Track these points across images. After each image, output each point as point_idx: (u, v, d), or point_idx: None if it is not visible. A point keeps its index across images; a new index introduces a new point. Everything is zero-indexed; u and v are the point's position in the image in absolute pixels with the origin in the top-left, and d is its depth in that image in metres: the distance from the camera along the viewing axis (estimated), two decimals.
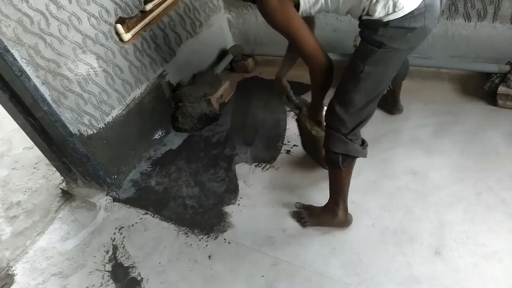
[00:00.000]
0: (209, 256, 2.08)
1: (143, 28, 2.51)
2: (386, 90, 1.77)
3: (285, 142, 2.57)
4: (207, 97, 2.81)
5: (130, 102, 2.55)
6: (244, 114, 2.89)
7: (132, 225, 2.36)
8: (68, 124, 2.19)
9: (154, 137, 2.82)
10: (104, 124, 2.41)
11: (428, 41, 2.54)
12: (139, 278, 2.08)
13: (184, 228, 2.25)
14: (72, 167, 2.52)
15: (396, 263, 1.82)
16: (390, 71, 1.56)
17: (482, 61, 2.50)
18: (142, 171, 2.68)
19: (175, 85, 2.91)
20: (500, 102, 2.35)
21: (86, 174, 2.48)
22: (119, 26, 2.33)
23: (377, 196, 2.11)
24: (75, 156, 2.33)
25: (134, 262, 2.17)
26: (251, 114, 2.87)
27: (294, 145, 2.52)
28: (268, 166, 2.45)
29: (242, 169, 2.48)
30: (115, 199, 2.53)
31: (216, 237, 2.15)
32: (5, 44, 1.82)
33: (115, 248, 2.27)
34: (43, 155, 2.59)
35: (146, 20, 2.50)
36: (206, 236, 2.17)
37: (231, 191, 2.37)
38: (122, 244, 2.27)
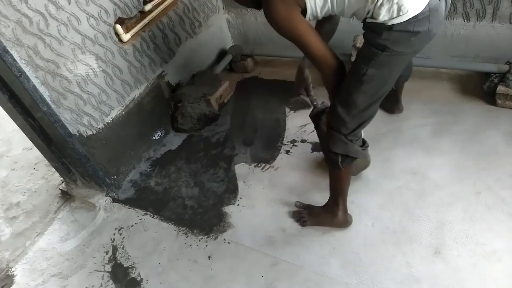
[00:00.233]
0: (209, 256, 2.08)
1: (142, 29, 2.51)
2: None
3: (284, 142, 2.57)
4: (206, 98, 2.81)
5: (130, 102, 2.55)
6: (243, 114, 2.89)
7: (132, 226, 2.36)
8: (67, 125, 2.18)
9: (154, 138, 2.82)
10: (104, 124, 2.41)
11: None
12: (139, 279, 2.08)
13: (184, 229, 2.25)
14: (72, 167, 2.52)
15: (395, 263, 1.82)
16: (394, 74, 1.55)
17: (481, 61, 2.50)
18: (142, 171, 2.68)
19: (174, 85, 2.91)
20: (499, 101, 2.36)
21: (85, 174, 2.48)
22: (118, 26, 2.33)
23: (377, 196, 2.11)
24: (74, 157, 2.33)
25: (133, 262, 2.16)
26: (250, 114, 2.87)
27: (293, 145, 2.52)
28: (267, 166, 2.45)
29: (242, 169, 2.48)
30: (114, 200, 2.53)
31: (216, 237, 2.15)
32: (4, 44, 1.82)
33: (114, 248, 2.27)
34: (42, 155, 2.59)
35: (145, 21, 2.50)
36: (206, 236, 2.17)
37: (231, 191, 2.37)
38: (122, 244, 2.27)
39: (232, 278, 1.95)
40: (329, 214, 1.98)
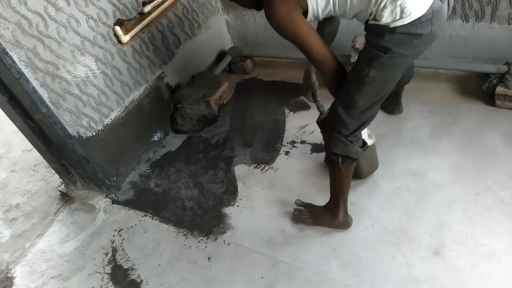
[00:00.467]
0: (209, 258, 2.07)
1: (141, 30, 2.51)
2: None
3: (284, 143, 2.57)
4: (206, 99, 2.81)
5: (129, 104, 2.55)
6: (243, 115, 2.89)
7: (131, 227, 2.35)
8: (67, 126, 2.18)
9: (153, 139, 2.82)
10: (103, 126, 2.41)
11: None
12: (138, 280, 2.08)
13: (184, 230, 2.25)
14: (71, 169, 2.52)
15: (395, 264, 1.82)
16: (395, 76, 1.55)
17: (480, 62, 2.51)
18: (141, 173, 2.68)
19: (173, 86, 2.92)
20: (498, 102, 2.36)
21: (85, 176, 2.48)
22: (117, 28, 2.33)
23: (377, 197, 2.11)
24: (74, 158, 2.33)
25: (133, 264, 2.16)
26: (250, 115, 2.87)
27: (293, 146, 2.52)
28: (267, 167, 2.46)
29: (241, 171, 2.48)
30: (114, 201, 2.53)
31: (216, 239, 2.15)
32: (4, 46, 1.82)
33: (114, 250, 2.27)
34: (42, 157, 2.59)
35: (145, 22, 2.50)
36: (206, 237, 2.17)
37: (230, 193, 2.37)
38: (122, 246, 2.27)
39: (232, 279, 1.95)
40: (330, 215, 1.98)
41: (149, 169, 2.69)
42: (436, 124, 2.39)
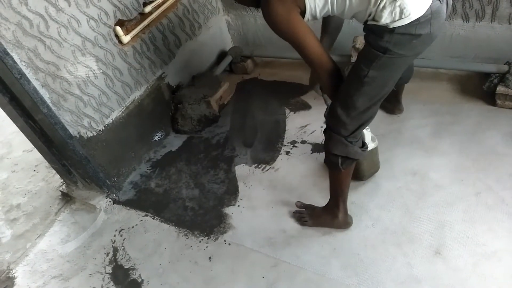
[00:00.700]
0: (210, 258, 2.08)
1: (142, 31, 2.51)
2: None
3: (284, 143, 2.57)
4: (206, 99, 2.82)
5: (130, 104, 2.55)
6: (243, 115, 2.90)
7: (132, 227, 2.36)
8: (67, 127, 2.19)
9: (154, 139, 2.82)
10: (104, 126, 2.41)
11: None
12: (139, 280, 2.08)
13: (184, 230, 2.25)
14: (72, 169, 2.53)
15: (396, 263, 1.82)
16: (395, 76, 1.55)
17: (481, 61, 2.50)
18: (142, 173, 2.68)
19: (174, 87, 2.92)
20: (499, 102, 2.36)
21: (86, 176, 2.48)
22: (118, 28, 2.33)
23: (377, 197, 2.11)
24: (75, 159, 2.33)
25: (134, 264, 2.17)
26: (250, 115, 2.87)
27: (293, 146, 2.53)
28: (268, 167, 2.46)
29: (242, 171, 2.48)
30: (115, 201, 2.53)
31: (216, 239, 2.15)
32: (5, 47, 1.83)
33: (115, 250, 2.27)
34: (43, 157, 2.59)
35: (145, 22, 2.51)
36: (207, 237, 2.18)
37: (231, 193, 2.37)
38: (123, 246, 2.28)
39: (232, 279, 1.95)
40: (330, 216, 1.98)
41: (150, 169, 2.69)
42: (436, 124, 2.39)
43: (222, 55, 3.33)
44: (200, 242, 2.16)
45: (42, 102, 2.03)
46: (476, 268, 1.73)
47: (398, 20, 1.36)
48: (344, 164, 1.72)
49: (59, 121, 2.14)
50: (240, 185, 2.40)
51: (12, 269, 2.35)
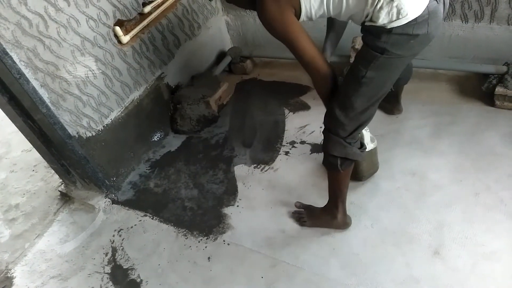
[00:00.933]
0: (209, 258, 2.08)
1: (141, 31, 2.51)
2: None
3: (283, 143, 2.57)
4: (205, 99, 2.82)
5: (129, 104, 2.55)
6: (242, 115, 2.90)
7: (131, 227, 2.36)
8: (67, 127, 2.19)
9: (153, 139, 2.82)
10: (103, 126, 2.41)
11: None
12: (138, 280, 2.08)
13: (183, 230, 2.25)
14: (71, 169, 2.52)
15: (395, 264, 1.82)
16: (392, 76, 1.55)
17: (480, 62, 2.51)
18: (141, 173, 2.68)
19: (173, 87, 2.92)
20: (497, 102, 2.36)
21: (85, 176, 2.48)
22: (117, 28, 2.33)
23: (376, 197, 2.11)
24: (74, 159, 2.33)
25: (133, 264, 2.16)
26: (249, 115, 2.87)
27: (293, 147, 2.53)
28: (267, 167, 2.46)
29: (241, 171, 2.48)
30: (114, 201, 2.53)
31: (216, 239, 2.15)
32: (4, 46, 1.83)
33: (114, 250, 2.27)
34: (41, 157, 2.59)
35: (145, 23, 2.51)
36: (206, 237, 2.18)
37: (230, 193, 2.37)
38: (121, 246, 2.27)
39: (231, 279, 1.95)
40: (329, 216, 1.98)
41: (149, 169, 2.69)
42: (435, 124, 2.39)
43: (221, 55, 3.33)
44: (199, 242, 2.16)
45: (41, 102, 2.03)
46: (475, 268, 1.73)
47: (395, 20, 1.37)
48: (343, 165, 1.72)
49: (58, 121, 2.14)
50: (239, 185, 2.40)
51: (10, 269, 2.35)
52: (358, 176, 2.14)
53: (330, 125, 1.65)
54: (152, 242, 2.24)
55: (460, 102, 2.50)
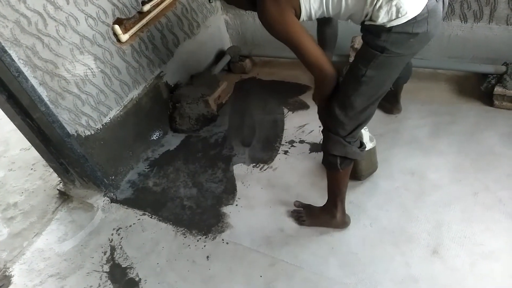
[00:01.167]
0: (207, 257, 2.07)
1: (140, 29, 2.51)
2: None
3: (282, 142, 2.57)
4: (204, 98, 2.81)
5: (128, 103, 2.55)
6: (241, 115, 2.89)
7: (130, 226, 2.35)
8: (65, 125, 2.18)
9: (152, 138, 2.81)
10: (102, 125, 2.40)
11: None
12: (137, 279, 2.08)
13: (182, 229, 2.25)
14: (70, 168, 2.52)
15: (394, 263, 1.83)
16: (392, 75, 1.55)
17: (479, 62, 2.51)
18: (140, 172, 2.67)
19: (172, 86, 2.91)
20: (496, 102, 2.37)
21: (83, 175, 2.47)
22: (116, 27, 2.33)
23: (375, 196, 2.11)
24: (72, 157, 2.33)
25: (132, 262, 2.16)
26: (248, 115, 2.87)
27: (292, 146, 2.53)
28: (266, 166, 2.46)
29: (240, 170, 2.48)
30: (112, 200, 2.52)
31: (214, 238, 2.15)
32: (3, 44, 1.82)
33: (113, 249, 2.26)
34: (40, 156, 2.58)
35: (144, 21, 2.50)
36: (204, 236, 2.17)
37: (229, 192, 2.37)
38: (120, 245, 2.27)
39: (230, 278, 1.95)
40: (328, 215, 1.98)
41: (147, 168, 2.69)
42: (434, 124, 2.39)
43: (220, 54, 3.32)
44: (198, 241, 2.16)
45: (40, 100, 2.02)
46: (474, 268, 1.73)
47: (395, 19, 1.37)
48: (343, 164, 1.72)
49: (57, 119, 2.13)
50: (238, 184, 2.39)
51: (9, 268, 2.34)
52: (357, 175, 2.14)
53: (330, 125, 1.65)
54: (151, 241, 2.23)
55: (459, 102, 2.50)
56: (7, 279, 2.29)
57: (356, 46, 2.56)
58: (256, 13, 1.56)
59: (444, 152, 2.23)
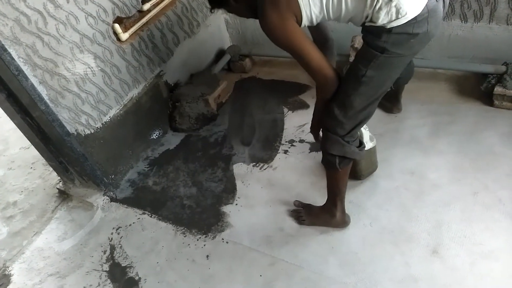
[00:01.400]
0: (207, 256, 2.07)
1: (140, 28, 2.51)
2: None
3: (282, 142, 2.57)
4: (204, 97, 2.81)
5: (128, 101, 2.55)
6: (241, 114, 2.89)
7: (130, 225, 2.35)
8: (65, 124, 2.18)
9: (152, 137, 2.81)
10: (102, 123, 2.40)
11: None
12: (136, 278, 2.08)
13: (182, 228, 2.25)
14: (69, 167, 2.51)
15: (394, 262, 1.83)
16: (392, 76, 1.55)
17: (479, 62, 2.51)
18: (140, 171, 2.67)
19: (172, 85, 2.91)
20: (496, 102, 2.37)
21: (83, 174, 2.47)
22: (116, 25, 2.33)
23: (375, 196, 2.11)
24: (72, 156, 2.32)
25: (131, 262, 2.16)
26: (248, 114, 2.87)
27: (291, 145, 2.53)
28: (266, 166, 2.46)
29: (240, 169, 2.48)
30: (112, 199, 2.52)
31: (214, 237, 2.15)
32: (3, 43, 1.82)
33: (112, 248, 2.26)
34: (39, 155, 2.58)
35: (144, 20, 2.50)
36: (204, 236, 2.17)
37: (229, 191, 2.37)
38: (120, 244, 2.27)
39: (230, 278, 1.95)
40: (327, 215, 1.98)
41: (147, 167, 2.68)
42: (434, 124, 2.40)
43: (220, 53, 3.32)
44: (197, 240, 2.16)
45: (39, 99, 2.02)
46: (473, 268, 1.74)
47: (395, 20, 1.37)
48: (341, 164, 1.72)
49: (57, 118, 2.13)
50: (238, 184, 2.39)
51: (8, 267, 2.34)
52: (357, 175, 2.14)
53: (329, 124, 1.65)
54: (151, 240, 2.23)
55: (459, 102, 2.50)
56: (7, 278, 2.28)
57: (356, 45, 2.56)
58: (259, 22, 1.55)
59: (444, 151, 2.23)
